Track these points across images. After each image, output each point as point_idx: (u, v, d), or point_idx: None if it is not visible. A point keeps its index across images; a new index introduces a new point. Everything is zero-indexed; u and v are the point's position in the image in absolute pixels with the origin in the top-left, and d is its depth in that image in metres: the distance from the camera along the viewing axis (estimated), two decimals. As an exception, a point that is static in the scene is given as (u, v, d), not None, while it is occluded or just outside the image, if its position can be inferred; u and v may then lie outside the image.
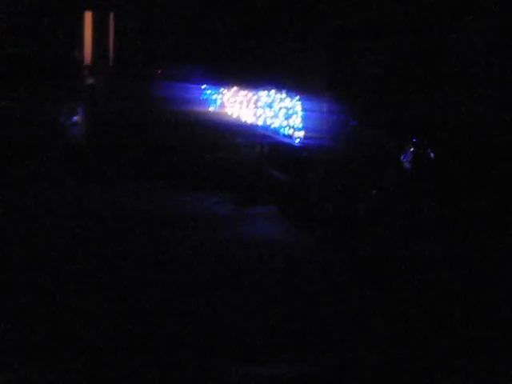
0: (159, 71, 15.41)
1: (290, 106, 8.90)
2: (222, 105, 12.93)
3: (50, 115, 10.67)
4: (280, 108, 9.30)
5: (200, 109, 12.12)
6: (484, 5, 8.86)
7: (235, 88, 12.45)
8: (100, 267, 6.02)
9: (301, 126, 8.48)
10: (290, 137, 8.75)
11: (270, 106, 9.85)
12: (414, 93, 9.43)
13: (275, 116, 9.48)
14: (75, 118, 10.94)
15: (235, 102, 12.24)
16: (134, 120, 11.24)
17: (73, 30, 17.03)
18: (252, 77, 11.28)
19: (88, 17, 17.41)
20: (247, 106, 11.24)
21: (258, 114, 10.40)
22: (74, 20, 16.94)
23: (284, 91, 9.38)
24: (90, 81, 11.94)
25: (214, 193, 9.08)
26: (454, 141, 8.50)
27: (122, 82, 14.80)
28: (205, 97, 13.59)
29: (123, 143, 10.50)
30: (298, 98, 8.80)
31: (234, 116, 11.25)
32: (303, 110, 8.57)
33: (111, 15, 17.46)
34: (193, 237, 7.15)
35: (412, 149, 8.66)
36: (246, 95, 11.54)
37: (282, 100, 9.32)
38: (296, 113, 8.67)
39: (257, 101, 10.73)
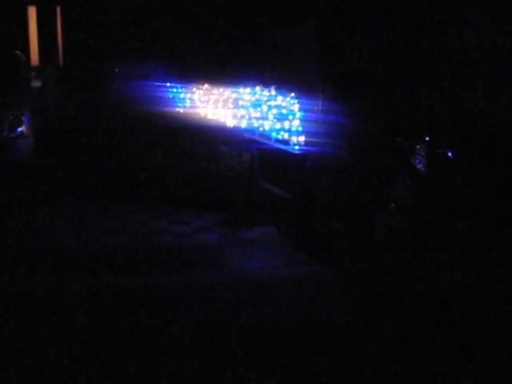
0: (116, 70, 13.64)
1: (283, 105, 7.33)
2: (194, 105, 11.32)
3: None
4: (270, 108, 7.73)
5: (168, 111, 10.43)
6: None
7: (207, 85, 10.85)
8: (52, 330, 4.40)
9: (300, 129, 6.92)
10: (287, 143, 7.18)
11: (256, 105, 8.27)
12: (424, 84, 8.03)
13: (264, 118, 7.91)
14: (20, 129, 9.17)
15: (209, 101, 10.63)
16: (91, 128, 9.49)
17: (15, 27, 15.11)
18: (228, 71, 9.67)
19: (32, 12, 15.54)
20: (225, 106, 9.62)
21: (240, 116, 8.81)
22: (17, 15, 15.05)
23: (272, 87, 7.82)
24: (37, 84, 10.12)
25: (196, 215, 7.45)
26: (475, 138, 7.15)
27: (74, 83, 12.99)
28: (172, 97, 11.95)
29: (79, 157, 8.75)
30: (293, 95, 7.25)
31: (210, 118, 9.63)
32: (301, 109, 7.02)
33: (58, 9, 15.57)
34: (176, 279, 5.54)
35: (426, 149, 7.29)
36: (221, 93, 9.92)
37: (271, 98, 7.75)
38: (292, 113, 7.11)
39: (237, 100, 9.12)
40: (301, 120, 6.91)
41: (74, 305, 4.81)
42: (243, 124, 8.75)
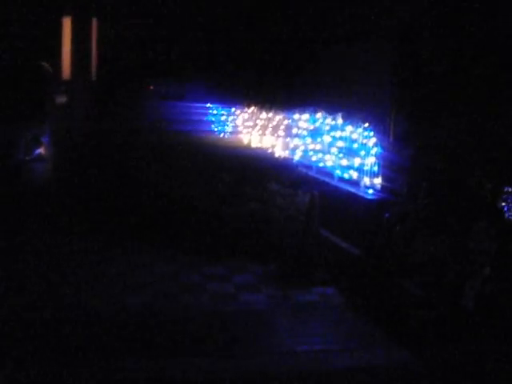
0: (151, 87, 12.47)
1: (354, 137, 5.95)
2: (236, 131, 9.99)
3: (2, 147, 7.64)
4: (334, 139, 6.37)
5: (208, 137, 9.14)
6: None
7: (253, 108, 9.54)
8: None
9: (375, 168, 5.52)
10: (356, 184, 5.80)
11: (315, 135, 6.92)
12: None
13: (325, 151, 6.55)
14: (38, 151, 7.96)
15: (254, 127, 9.32)
16: (120, 155, 8.23)
17: (48, 39, 14.12)
18: (280, 93, 8.34)
19: (67, 23, 14.58)
20: (274, 134, 8.30)
21: (293, 147, 7.45)
22: (51, 27, 14.08)
23: (339, 115, 6.45)
24: (61, 100, 8.93)
25: (239, 266, 6.04)
26: None
27: (106, 101, 11.83)
28: (212, 120, 10.66)
29: (104, 187, 7.48)
30: (366, 125, 5.85)
31: (256, 148, 8.31)
32: (377, 143, 5.62)
33: (94, 22, 14.55)
34: (208, 366, 4.13)
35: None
36: (270, 118, 8.61)
37: (336, 128, 6.38)
38: (365, 149, 5.72)
39: (290, 127, 7.79)
40: (378, 156, 5.51)
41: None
42: (297, 157, 7.40)
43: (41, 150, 8.00)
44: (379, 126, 6.39)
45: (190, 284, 5.62)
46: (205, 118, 10.43)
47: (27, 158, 7.84)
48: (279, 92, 8.46)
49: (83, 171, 8.08)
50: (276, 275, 5.94)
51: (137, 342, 4.38)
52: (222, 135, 9.83)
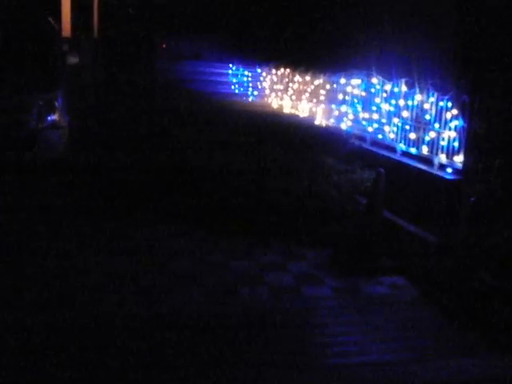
0: (164, 45, 11.52)
1: (426, 107, 5.23)
2: (264, 95, 9.17)
3: (12, 115, 6.86)
4: (398, 108, 5.65)
5: (235, 102, 8.34)
6: None
7: (285, 69, 8.73)
8: None
9: (456, 144, 4.83)
10: (429, 161, 5.12)
11: (371, 102, 6.19)
12: None
13: (386, 122, 5.83)
14: (52, 118, 7.20)
15: (287, 91, 8.53)
16: (136, 120, 7.46)
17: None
18: (320, 52, 7.54)
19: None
20: (314, 100, 7.54)
21: (342, 116, 6.71)
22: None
23: (402, 81, 5.70)
24: (74, 60, 8.05)
25: (292, 251, 5.37)
26: None
27: (114, 60, 10.97)
28: (234, 83, 9.81)
29: (127, 157, 6.75)
30: (439, 93, 5.13)
31: (292, 114, 7.55)
32: (458, 116, 4.90)
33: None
34: (285, 378, 3.52)
35: None
36: (308, 82, 7.83)
37: (403, 96, 5.65)
38: (441, 121, 5.01)
39: (334, 92, 7.03)
40: (459, 131, 4.81)
41: None
42: (344, 126, 6.68)
43: (55, 117, 7.20)
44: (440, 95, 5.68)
45: (244, 273, 4.95)
46: (227, 80, 9.61)
47: (40, 125, 7.06)
48: (318, 52, 7.66)
49: (102, 137, 7.34)
50: (336, 261, 5.29)
51: (197, 351, 3.74)
52: (249, 99, 9.04)
